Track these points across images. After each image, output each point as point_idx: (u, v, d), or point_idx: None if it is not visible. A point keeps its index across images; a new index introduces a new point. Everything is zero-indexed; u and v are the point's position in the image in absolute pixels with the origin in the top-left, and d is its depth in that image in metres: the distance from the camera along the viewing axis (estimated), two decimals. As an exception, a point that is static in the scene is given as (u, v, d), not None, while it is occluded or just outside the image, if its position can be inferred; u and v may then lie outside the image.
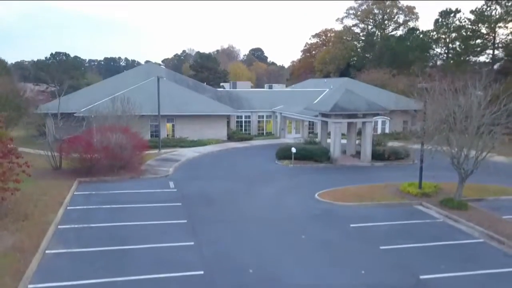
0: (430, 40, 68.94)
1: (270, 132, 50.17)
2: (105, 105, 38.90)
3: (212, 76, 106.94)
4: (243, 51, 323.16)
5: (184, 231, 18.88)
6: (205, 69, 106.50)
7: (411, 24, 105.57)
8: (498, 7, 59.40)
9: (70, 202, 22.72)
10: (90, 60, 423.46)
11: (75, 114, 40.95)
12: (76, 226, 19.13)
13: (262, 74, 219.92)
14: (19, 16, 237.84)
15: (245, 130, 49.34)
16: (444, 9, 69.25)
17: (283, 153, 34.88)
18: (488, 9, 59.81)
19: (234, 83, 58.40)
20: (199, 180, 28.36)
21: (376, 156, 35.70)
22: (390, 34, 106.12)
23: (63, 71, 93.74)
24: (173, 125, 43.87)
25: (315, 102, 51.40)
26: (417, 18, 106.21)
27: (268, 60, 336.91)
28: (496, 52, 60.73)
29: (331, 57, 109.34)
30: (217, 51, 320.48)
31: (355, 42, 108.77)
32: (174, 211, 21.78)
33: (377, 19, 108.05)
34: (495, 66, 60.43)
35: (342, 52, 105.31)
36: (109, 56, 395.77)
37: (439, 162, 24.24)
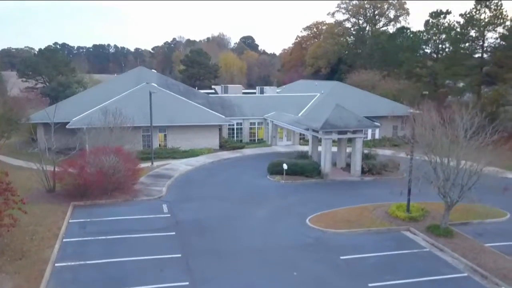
0: (420, 41, 69.23)
1: (262, 139, 50.59)
2: (97, 116, 38.95)
3: (203, 71, 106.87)
4: (234, 39, 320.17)
5: (179, 268, 19.38)
6: (196, 64, 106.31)
7: (401, 19, 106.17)
8: (487, 10, 59.90)
9: (66, 233, 23.06)
10: (78, 47, 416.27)
11: (67, 126, 41.05)
12: (72, 263, 19.54)
13: (253, 63, 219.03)
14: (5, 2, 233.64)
15: (237, 136, 49.71)
16: (435, 10, 69.45)
17: (275, 168, 35.37)
18: (478, 12, 60.29)
19: (226, 87, 58.44)
20: (191, 202, 28.81)
21: (366, 170, 36.34)
22: (381, 29, 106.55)
23: (52, 67, 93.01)
24: (165, 135, 44.11)
25: (306, 110, 52.09)
26: (407, 14, 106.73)
27: (259, 48, 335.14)
28: (484, 55, 61.33)
29: (322, 52, 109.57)
30: (208, 39, 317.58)
31: (346, 38, 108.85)
32: (169, 242, 22.24)
33: (368, 14, 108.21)
34: (483, 69, 61.13)
35: (333, 48, 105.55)
36: (98, 43, 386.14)
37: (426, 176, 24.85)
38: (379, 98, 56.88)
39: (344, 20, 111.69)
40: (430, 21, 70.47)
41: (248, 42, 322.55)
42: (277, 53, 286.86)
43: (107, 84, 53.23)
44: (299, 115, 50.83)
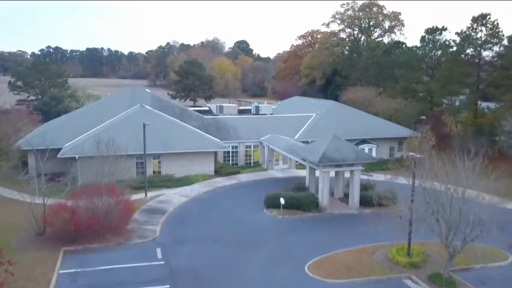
0: (416, 57, 68.78)
1: (258, 162, 49.85)
2: (89, 145, 38.08)
3: (198, 82, 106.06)
4: (228, 43, 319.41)
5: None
6: (191, 75, 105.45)
7: (396, 30, 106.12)
8: (483, 29, 59.61)
9: (56, 288, 22.21)
10: (72, 51, 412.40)
11: (58, 155, 40.10)
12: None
13: (247, 69, 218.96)
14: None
15: (232, 159, 48.94)
16: (431, 26, 69.15)
17: (272, 201, 34.64)
18: (474, 31, 59.97)
19: (221, 107, 57.72)
20: (186, 245, 27.97)
21: (364, 202, 35.71)
22: (376, 40, 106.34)
23: (45, 79, 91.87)
24: (159, 162, 43.24)
25: (302, 131, 51.45)
26: (402, 25, 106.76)
27: (254, 52, 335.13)
28: (481, 74, 60.96)
29: (317, 63, 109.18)
30: (202, 43, 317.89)
31: (342, 49, 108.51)
32: (163, 299, 21.46)
33: (363, 24, 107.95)
34: (480, 87, 60.85)
35: (328, 59, 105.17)
36: (91, 47, 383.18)
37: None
38: (375, 119, 56.35)
39: (339, 31, 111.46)
40: (426, 37, 70.17)
41: (242, 47, 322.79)
42: (272, 57, 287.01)
43: (99, 105, 52.29)
44: (296, 137, 50.25)
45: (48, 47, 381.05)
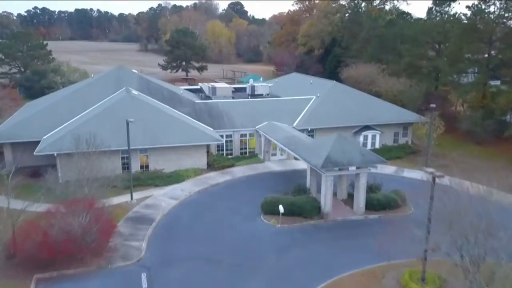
0: (422, 31, 64.28)
1: (254, 151, 46.54)
2: (68, 141, 34.64)
3: (190, 53, 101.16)
4: (222, 5, 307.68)
5: None
6: (182, 45, 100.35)
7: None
8: (497, 2, 55.19)
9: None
10: (59, 12, 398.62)
11: (35, 153, 36.58)
12: None
13: (242, 33, 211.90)
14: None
15: (227, 149, 45.57)
16: (438, -3, 64.45)
17: (269, 208, 31.63)
18: (486, 4, 55.52)
19: (214, 88, 53.49)
20: (175, 268, 25.05)
21: (370, 205, 32.80)
22: (378, 7, 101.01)
23: (27, 50, 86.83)
24: (147, 156, 39.80)
25: (302, 117, 47.96)
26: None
27: (248, 14, 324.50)
28: (492, 52, 56.98)
29: (315, 31, 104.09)
30: (195, 5, 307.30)
31: (341, 17, 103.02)
32: None
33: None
34: (490, 67, 57.06)
35: (326, 28, 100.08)
36: (80, 7, 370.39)
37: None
38: (379, 102, 52.71)
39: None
40: (434, 9, 65.64)
41: (236, 8, 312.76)
42: (267, 18, 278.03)
43: (82, 89, 48.09)
44: (295, 124, 46.81)
45: (35, 8, 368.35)
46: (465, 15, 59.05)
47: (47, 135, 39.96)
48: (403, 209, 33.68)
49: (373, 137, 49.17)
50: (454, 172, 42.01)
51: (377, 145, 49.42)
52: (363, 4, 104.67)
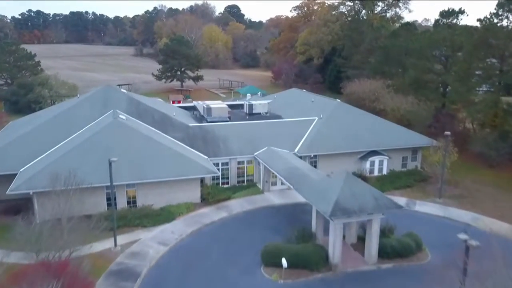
0: (429, 45, 60.83)
1: (252, 180, 42.93)
2: (46, 177, 31.07)
3: (185, 62, 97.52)
4: (218, 8, 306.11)
5: None
6: (177, 54, 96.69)
7: (401, 5, 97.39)
8: (510, 16, 51.83)
9: None
10: (54, 15, 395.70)
11: (8, 192, 32.85)
12: None
13: (239, 37, 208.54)
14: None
15: (223, 177, 41.94)
16: (446, 9, 61.07)
17: (271, 258, 28.02)
18: (499, 18, 52.17)
19: (209, 109, 49.80)
20: None
21: (383, 253, 29.26)
22: (379, 15, 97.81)
23: (15, 61, 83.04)
24: (135, 190, 36.10)
25: (303, 141, 44.40)
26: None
27: (245, 17, 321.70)
28: (505, 68, 53.57)
29: (315, 40, 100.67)
30: (191, 7, 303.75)
31: (341, 25, 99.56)
32: None
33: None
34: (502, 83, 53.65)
35: (326, 37, 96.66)
36: (75, 10, 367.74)
37: None
38: (386, 124, 49.15)
39: (339, 4, 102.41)
40: (441, 21, 62.27)
41: (233, 12, 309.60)
42: (264, 20, 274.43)
43: (67, 112, 44.31)
44: (296, 149, 43.26)
45: (29, 11, 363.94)
46: (475, 28, 55.58)
47: (25, 167, 36.24)
48: (419, 256, 30.14)
49: (381, 162, 45.68)
50: (470, 201, 38.76)
51: (384, 171, 45.93)
52: (363, 11, 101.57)
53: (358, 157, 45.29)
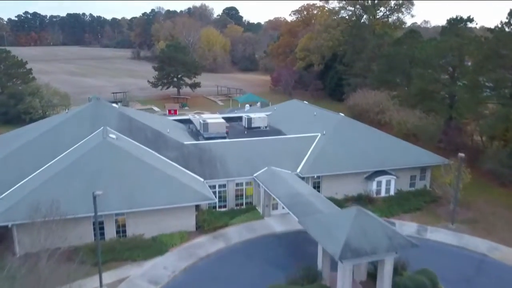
0: (435, 55, 58.14)
1: (251, 203, 40.19)
2: (25, 208, 28.46)
3: (182, 69, 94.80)
4: (216, 10, 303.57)
5: None
6: (173, 61, 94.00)
7: (404, 10, 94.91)
8: (524, 25, 49.28)
9: None
10: (51, 17, 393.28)
11: (-16, 224, 30.04)
12: None
13: (237, 40, 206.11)
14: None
15: (220, 200, 39.21)
16: (454, 16, 58.56)
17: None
18: (510, 27, 49.63)
19: (206, 124, 47.10)
20: None
21: (396, 293, 26.60)
22: (382, 20, 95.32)
23: (5, 69, 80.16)
24: (124, 219, 33.34)
25: (306, 160, 41.74)
26: (410, 3, 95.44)
27: (244, 19, 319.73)
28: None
29: (315, 46, 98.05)
30: (189, 9, 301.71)
31: (342, 30, 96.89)
32: None
33: (366, 2, 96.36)
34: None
35: (327, 42, 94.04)
36: (72, 12, 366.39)
37: None
38: (393, 141, 46.42)
39: (340, 8, 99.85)
40: (448, 29, 59.67)
41: (231, 14, 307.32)
42: (263, 22, 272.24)
43: (53, 130, 41.52)
44: (298, 170, 40.59)
45: (26, 12, 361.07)
46: (486, 38, 52.93)
47: (4, 194, 33.44)
48: (437, 296, 27.46)
49: (388, 182, 42.99)
50: (485, 227, 35.97)
51: (392, 191, 43.24)
52: (364, 16, 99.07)
53: (364, 176, 42.63)
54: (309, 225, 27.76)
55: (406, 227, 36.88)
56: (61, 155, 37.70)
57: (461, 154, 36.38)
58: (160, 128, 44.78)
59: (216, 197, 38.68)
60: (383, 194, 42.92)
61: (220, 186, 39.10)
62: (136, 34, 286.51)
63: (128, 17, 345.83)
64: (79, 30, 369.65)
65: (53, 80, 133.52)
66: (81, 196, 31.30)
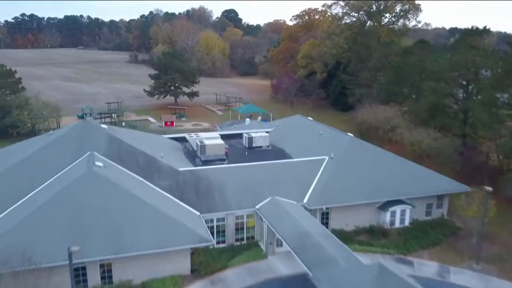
0: (449, 68, 54.32)
1: (253, 237, 36.37)
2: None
3: (179, 77, 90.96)
4: (216, 13, 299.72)
5: None
6: (170, 69, 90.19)
7: (410, 16, 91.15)
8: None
9: None
10: (48, 18, 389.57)
11: None
12: None
13: (236, 43, 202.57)
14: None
15: (218, 235, 35.39)
16: (469, 27, 54.85)
17: None
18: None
19: (203, 146, 43.28)
20: None
21: None
22: (388, 27, 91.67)
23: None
24: (110, 263, 29.48)
25: (313, 189, 37.94)
26: (418, 10, 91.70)
27: (243, 22, 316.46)
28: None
29: (318, 53, 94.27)
30: (188, 12, 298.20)
31: (345, 37, 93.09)
32: None
33: (371, 9, 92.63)
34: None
35: (331, 50, 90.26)
36: (69, 14, 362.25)
37: None
38: (407, 165, 42.59)
39: (343, 15, 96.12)
40: (462, 40, 55.93)
41: (230, 16, 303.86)
42: (262, 24, 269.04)
43: (35, 156, 37.66)
44: (305, 200, 36.81)
45: (23, 14, 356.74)
46: (505, 52, 49.27)
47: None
48: None
49: (403, 212, 39.21)
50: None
51: (406, 222, 39.46)
52: (369, 23, 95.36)
53: (377, 206, 38.85)
54: (324, 286, 23.87)
55: (426, 267, 33.13)
56: (41, 187, 33.83)
57: (488, 188, 32.57)
58: (153, 151, 40.98)
59: (214, 232, 35.03)
60: (397, 224, 39.12)
61: (218, 219, 35.25)
62: (134, 37, 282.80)
63: (127, 19, 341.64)
64: (76, 32, 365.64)
65: (47, 86, 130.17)
66: (60, 240, 27.51)
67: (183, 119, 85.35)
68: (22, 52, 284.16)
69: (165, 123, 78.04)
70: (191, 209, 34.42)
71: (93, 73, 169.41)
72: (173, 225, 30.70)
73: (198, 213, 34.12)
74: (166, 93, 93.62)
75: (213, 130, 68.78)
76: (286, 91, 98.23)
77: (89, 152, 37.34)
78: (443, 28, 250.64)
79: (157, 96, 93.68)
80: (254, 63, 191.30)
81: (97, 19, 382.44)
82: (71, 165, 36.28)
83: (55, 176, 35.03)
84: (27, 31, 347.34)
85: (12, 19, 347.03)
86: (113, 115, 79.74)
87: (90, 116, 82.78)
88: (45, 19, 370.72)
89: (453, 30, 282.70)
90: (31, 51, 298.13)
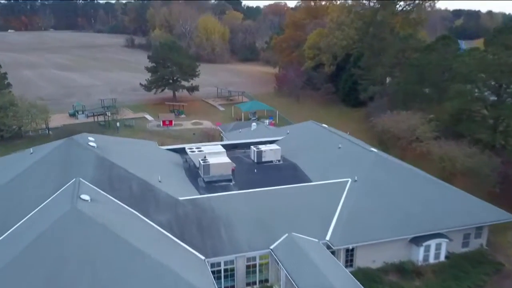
0: (480, 70, 48.49)
1: (266, 281, 31.20)
2: None
3: (177, 70, 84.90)
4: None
5: None
6: (168, 62, 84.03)
7: (427, 5, 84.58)
8: None
9: None
10: (42, 0, 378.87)
11: None
12: None
13: (237, 28, 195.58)
14: None
15: (226, 279, 30.22)
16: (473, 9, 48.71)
17: None
18: None
19: (207, 166, 37.80)
20: None
21: None
22: (400, 13, 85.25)
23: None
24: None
25: (336, 221, 32.59)
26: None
27: (243, 4, 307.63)
28: None
29: (326, 44, 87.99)
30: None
31: (357, 27, 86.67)
32: None
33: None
34: None
35: (341, 42, 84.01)
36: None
37: None
38: (441, 188, 37.13)
39: (353, 3, 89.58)
40: (494, 39, 50.05)
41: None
42: (262, 6, 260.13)
43: (8, 184, 32.21)
44: (328, 237, 31.56)
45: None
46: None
47: None
48: None
49: (438, 246, 34.01)
50: None
51: (442, 257, 34.30)
52: (382, 12, 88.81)
53: (408, 240, 33.64)
54: None
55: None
56: (15, 226, 28.44)
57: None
58: (149, 172, 35.62)
59: (221, 276, 29.81)
60: (431, 260, 34.00)
61: (226, 263, 30.01)
62: (131, 20, 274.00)
63: (123, 0, 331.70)
64: (71, 14, 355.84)
65: (38, 75, 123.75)
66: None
67: (182, 116, 79.65)
68: (16, 34, 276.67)
69: (163, 122, 72.43)
70: (194, 251, 29.11)
71: (88, 60, 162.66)
72: (173, 280, 25.32)
73: (203, 257, 28.82)
74: (164, 87, 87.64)
75: (215, 130, 63.47)
76: (292, 84, 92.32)
77: (74, 179, 31.77)
78: (447, 10, 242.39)
79: (155, 90, 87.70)
80: (255, 49, 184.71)
81: (92, 0, 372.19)
82: (54, 196, 30.79)
83: (34, 211, 29.58)
84: (20, 13, 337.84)
85: (5, 0, 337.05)
86: (107, 112, 73.96)
87: (82, 113, 77.23)
88: (39, 1, 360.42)
89: (458, 12, 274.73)
90: (24, 33, 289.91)
